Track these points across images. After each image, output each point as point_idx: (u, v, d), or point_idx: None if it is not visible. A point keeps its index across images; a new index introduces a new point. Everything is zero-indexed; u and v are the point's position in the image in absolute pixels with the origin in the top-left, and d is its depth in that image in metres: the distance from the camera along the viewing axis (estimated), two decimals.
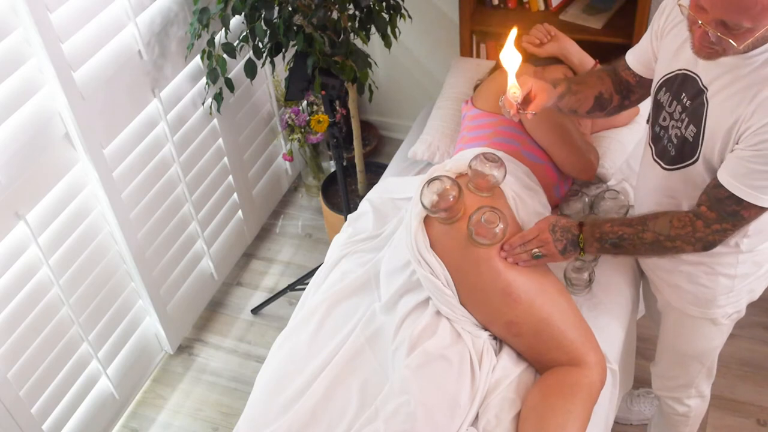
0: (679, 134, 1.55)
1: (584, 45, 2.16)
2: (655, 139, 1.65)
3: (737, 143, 1.42)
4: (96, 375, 2.39)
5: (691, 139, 1.52)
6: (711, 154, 1.49)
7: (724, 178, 1.44)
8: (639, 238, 1.58)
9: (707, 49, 1.36)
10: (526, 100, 1.59)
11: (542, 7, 2.75)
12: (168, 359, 2.75)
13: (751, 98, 1.38)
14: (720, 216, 1.48)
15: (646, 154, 1.71)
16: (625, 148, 2.21)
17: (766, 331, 2.62)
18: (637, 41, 2.53)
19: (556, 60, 2.15)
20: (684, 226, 1.53)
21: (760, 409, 2.44)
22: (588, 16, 2.66)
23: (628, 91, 1.78)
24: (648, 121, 1.69)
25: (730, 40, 1.30)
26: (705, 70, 1.47)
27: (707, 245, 1.54)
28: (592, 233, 1.62)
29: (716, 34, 1.31)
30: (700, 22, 1.32)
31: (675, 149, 1.57)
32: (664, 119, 1.60)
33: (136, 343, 2.55)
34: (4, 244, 1.93)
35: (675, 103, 1.55)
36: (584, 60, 2.13)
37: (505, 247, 1.68)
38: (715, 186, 1.47)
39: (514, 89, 1.53)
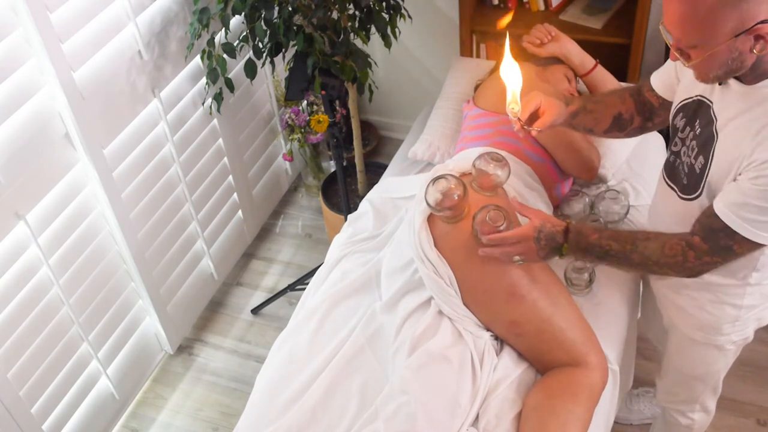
0: (690, 163, 1.51)
1: (584, 45, 2.17)
2: (668, 164, 1.62)
3: (739, 175, 1.38)
4: (96, 375, 2.39)
5: (698, 171, 1.48)
6: (716, 189, 1.45)
7: (719, 206, 1.40)
8: (626, 257, 1.53)
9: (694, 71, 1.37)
10: (533, 117, 1.57)
11: (542, 7, 2.75)
12: (168, 359, 2.75)
13: (755, 133, 1.35)
14: (712, 249, 1.44)
15: (660, 179, 1.67)
16: (625, 149, 2.21)
17: (766, 331, 2.61)
18: (637, 41, 2.56)
19: (556, 60, 2.15)
20: (675, 255, 1.48)
21: (760, 409, 2.44)
22: (588, 16, 2.67)
23: (651, 113, 1.74)
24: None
25: (682, 60, 1.33)
26: (718, 99, 1.44)
27: (693, 275, 1.51)
28: (577, 243, 1.56)
29: (679, 56, 1.32)
30: (669, 41, 1.33)
31: (687, 178, 1.54)
32: (676, 144, 1.57)
33: (136, 343, 2.55)
34: (4, 244, 1.93)
35: (688, 129, 1.52)
36: (584, 60, 2.13)
37: (484, 240, 1.60)
38: (710, 215, 1.42)
39: (513, 105, 1.52)
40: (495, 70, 2.26)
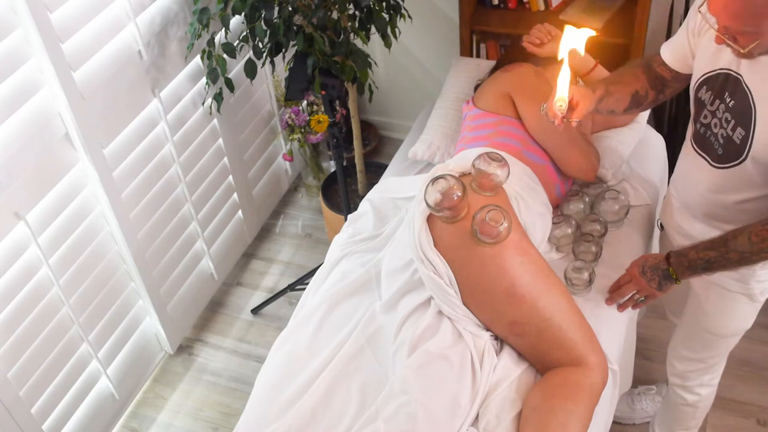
0: (725, 134, 1.56)
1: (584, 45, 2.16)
2: (697, 136, 1.66)
3: None
4: (96, 375, 2.39)
5: (738, 141, 1.53)
6: (761, 155, 1.50)
7: None
8: (726, 259, 1.60)
9: (736, 51, 1.40)
10: (569, 108, 1.61)
11: (542, 7, 2.75)
12: (168, 359, 2.75)
13: None
14: None
15: (688, 150, 1.71)
16: (625, 148, 2.21)
17: (766, 331, 2.62)
18: (637, 41, 2.56)
19: (556, 60, 2.14)
20: (763, 240, 1.54)
21: (760, 409, 2.44)
22: (588, 16, 2.67)
23: (663, 85, 1.78)
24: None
25: (730, 43, 1.36)
26: (748, 72, 1.48)
27: None
28: (680, 263, 1.69)
29: (727, 40, 1.36)
30: (714, 27, 1.37)
31: (722, 148, 1.58)
32: (706, 117, 1.61)
33: (136, 343, 2.55)
34: (4, 244, 1.93)
35: (718, 101, 1.56)
36: (585, 60, 2.13)
37: (608, 300, 1.86)
38: None
39: (561, 102, 1.57)
40: (495, 70, 2.26)
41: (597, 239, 1.98)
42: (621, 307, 1.87)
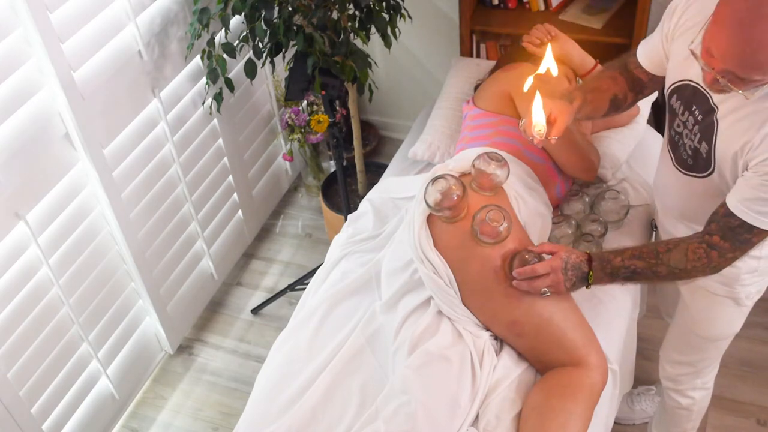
0: (692, 146, 1.56)
1: (584, 45, 2.16)
2: (672, 143, 1.66)
3: (746, 169, 1.43)
4: (96, 375, 2.39)
5: (704, 155, 1.53)
6: (724, 170, 1.51)
7: (734, 204, 1.45)
8: (653, 272, 1.57)
9: (717, 87, 1.37)
10: (547, 123, 1.60)
11: (542, 7, 2.75)
12: (168, 359, 2.75)
13: (758, 127, 1.39)
14: (734, 245, 1.49)
15: (665, 155, 1.71)
16: (625, 148, 2.21)
17: (766, 331, 2.62)
18: (637, 41, 2.55)
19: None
20: (699, 258, 1.52)
21: (760, 409, 2.44)
22: (588, 16, 2.67)
23: (641, 87, 1.78)
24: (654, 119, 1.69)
25: (740, 91, 1.32)
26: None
27: (718, 271, 1.56)
28: (602, 268, 1.60)
29: (726, 82, 1.32)
30: (710, 69, 1.32)
31: (691, 159, 1.58)
32: (678, 126, 1.61)
33: (136, 343, 2.55)
34: (4, 244, 1.93)
35: (687, 113, 1.56)
36: (585, 60, 2.13)
37: (514, 273, 1.63)
38: (726, 215, 1.47)
39: (539, 127, 1.56)
40: (495, 70, 2.26)
41: (597, 239, 1.98)
42: (522, 289, 1.64)
